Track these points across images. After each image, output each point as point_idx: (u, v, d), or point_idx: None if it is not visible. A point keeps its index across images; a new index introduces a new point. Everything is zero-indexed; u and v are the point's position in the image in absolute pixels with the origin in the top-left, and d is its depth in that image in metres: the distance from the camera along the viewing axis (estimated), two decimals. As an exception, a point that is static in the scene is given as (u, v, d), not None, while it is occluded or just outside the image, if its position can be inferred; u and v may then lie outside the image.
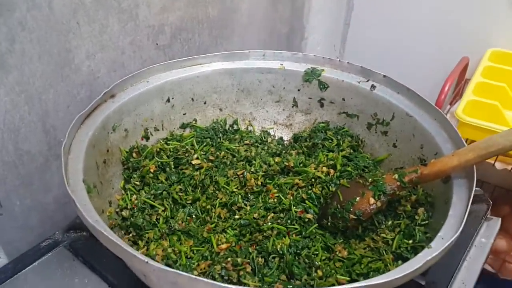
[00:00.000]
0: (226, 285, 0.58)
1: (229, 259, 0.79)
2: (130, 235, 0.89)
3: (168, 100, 1.10)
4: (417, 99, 0.99)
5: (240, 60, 1.15)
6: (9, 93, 0.92)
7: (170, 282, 0.64)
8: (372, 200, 0.83)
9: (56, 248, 1.03)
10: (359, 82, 1.09)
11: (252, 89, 1.18)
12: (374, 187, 0.85)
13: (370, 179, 0.86)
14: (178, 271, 0.60)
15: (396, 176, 0.84)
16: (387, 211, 0.89)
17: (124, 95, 1.01)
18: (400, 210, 0.88)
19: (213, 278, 0.77)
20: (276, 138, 1.19)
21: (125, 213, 0.92)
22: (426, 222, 0.84)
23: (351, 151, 1.07)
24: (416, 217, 0.86)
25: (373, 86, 1.07)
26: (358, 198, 0.85)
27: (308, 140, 1.12)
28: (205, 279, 0.59)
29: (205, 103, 1.16)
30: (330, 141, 1.10)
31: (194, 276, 0.60)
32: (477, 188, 0.80)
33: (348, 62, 1.11)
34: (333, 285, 0.74)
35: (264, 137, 1.17)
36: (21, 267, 0.98)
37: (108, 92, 0.98)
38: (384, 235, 0.85)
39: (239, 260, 0.79)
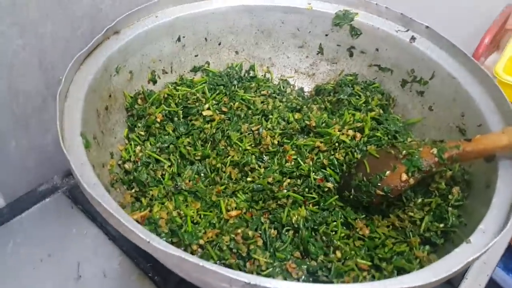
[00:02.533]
0: (235, 277, 0.50)
1: (239, 230, 0.71)
2: (133, 190, 0.82)
3: (179, 39, 0.97)
4: (462, 58, 0.86)
5: (262, -4, 1.01)
6: (0, 25, 0.81)
7: (174, 264, 0.57)
8: (404, 176, 0.73)
9: (55, 194, 0.98)
10: (397, 32, 0.95)
11: (274, 31, 1.04)
12: (408, 161, 0.74)
13: (404, 152, 0.76)
14: (183, 255, 0.52)
15: (435, 151, 0.73)
16: (417, 186, 0.80)
17: (130, 32, 0.89)
18: (433, 188, 0.79)
19: (220, 250, 0.70)
20: (296, 88, 1.07)
21: (128, 166, 0.84)
22: (461, 203, 0.75)
23: (381, 111, 0.95)
24: (450, 196, 0.76)
25: (413, 38, 0.93)
26: (388, 172, 0.75)
27: (332, 94, 1.00)
28: (214, 268, 0.51)
29: (219, 44, 1.03)
30: (357, 97, 0.98)
31: (201, 263, 0.52)
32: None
33: (386, 7, 0.96)
34: (353, 269, 0.67)
35: (283, 87, 1.05)
36: (17, 211, 0.92)
37: (112, 28, 0.86)
38: (412, 214, 0.77)
39: (250, 233, 0.71)
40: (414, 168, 0.73)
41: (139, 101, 0.90)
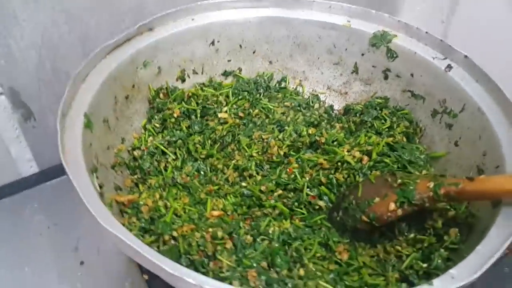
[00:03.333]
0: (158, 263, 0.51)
1: (210, 229, 0.71)
2: (135, 176, 0.85)
3: (213, 43, 1.00)
4: (497, 94, 0.78)
5: (302, 10, 1.00)
6: (49, 11, 0.90)
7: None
8: (392, 206, 0.68)
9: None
10: (434, 58, 0.89)
11: (310, 45, 1.03)
12: (400, 191, 0.69)
13: (400, 180, 0.71)
14: (121, 236, 0.54)
15: (432, 184, 0.67)
16: (413, 221, 0.74)
17: (164, 31, 0.94)
18: (428, 225, 0.72)
19: (189, 245, 0.70)
20: (326, 105, 1.05)
21: (136, 153, 0.87)
22: (456, 246, 0.68)
23: (404, 139, 0.90)
24: (446, 237, 0.69)
25: (449, 66, 0.87)
26: (377, 199, 0.71)
27: (358, 115, 0.96)
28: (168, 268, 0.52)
29: (254, 52, 1.04)
30: (382, 121, 0.93)
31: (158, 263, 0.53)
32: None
33: (426, 32, 0.91)
34: (308, 291, 0.64)
35: (312, 102, 1.03)
36: (42, 180, 1.01)
37: (146, 25, 0.92)
38: (399, 248, 0.71)
39: (219, 234, 0.71)
40: (404, 199, 0.68)
41: (161, 95, 0.94)
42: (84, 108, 0.75)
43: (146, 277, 0.83)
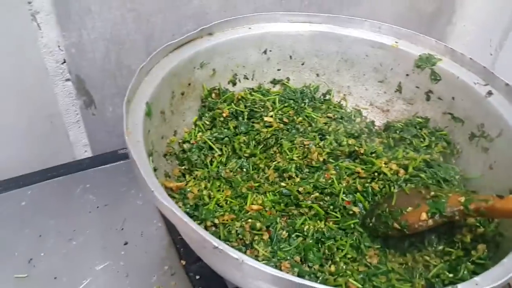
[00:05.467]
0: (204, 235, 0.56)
1: (249, 220, 0.77)
2: (183, 167, 0.92)
3: (265, 52, 1.07)
4: (534, 121, 0.81)
5: (353, 28, 1.06)
6: (120, 8, 0.99)
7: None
8: (424, 216, 0.72)
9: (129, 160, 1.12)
10: (475, 84, 0.93)
11: (357, 62, 1.08)
12: (432, 202, 0.73)
13: (433, 193, 0.74)
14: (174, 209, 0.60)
15: (463, 199, 0.71)
16: (443, 234, 0.77)
17: (222, 36, 1.01)
18: (457, 239, 0.75)
19: (229, 232, 0.76)
20: (368, 120, 1.09)
21: (186, 146, 0.94)
22: (483, 262, 0.71)
23: (441, 158, 0.93)
24: (473, 252, 0.73)
25: (489, 93, 0.90)
26: (410, 208, 0.75)
27: (398, 132, 1.00)
28: (193, 225, 0.58)
29: (303, 64, 1.10)
30: (421, 140, 0.97)
31: (185, 219, 0.59)
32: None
33: (470, 58, 0.95)
34: (340, 286, 0.68)
35: (354, 116, 1.08)
36: (96, 164, 1.09)
37: (206, 29, 0.99)
38: (428, 258, 0.74)
39: (258, 225, 0.76)
40: (436, 211, 0.72)
41: (213, 95, 1.01)
42: (146, 98, 0.83)
43: (183, 262, 0.89)
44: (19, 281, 0.84)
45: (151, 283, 0.86)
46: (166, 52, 0.93)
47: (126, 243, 0.92)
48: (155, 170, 0.77)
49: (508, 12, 1.59)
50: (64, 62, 1.00)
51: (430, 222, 0.72)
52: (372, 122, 1.09)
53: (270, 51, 1.07)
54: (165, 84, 0.89)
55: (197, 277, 0.86)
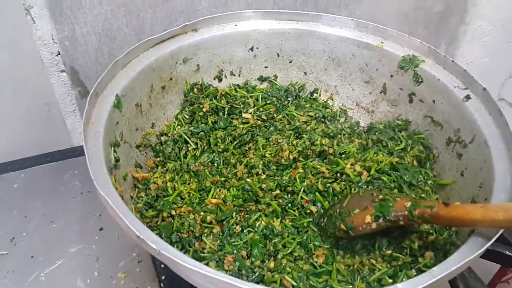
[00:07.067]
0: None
1: (201, 213, 0.79)
2: (158, 159, 0.95)
3: (252, 49, 1.08)
4: (504, 130, 0.78)
5: (339, 27, 1.05)
6: (111, 3, 1.03)
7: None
8: (368, 219, 0.71)
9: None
10: (455, 87, 0.90)
11: (344, 61, 1.07)
12: (378, 206, 0.72)
13: (381, 196, 0.73)
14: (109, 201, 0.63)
15: (409, 204, 0.70)
16: (395, 238, 0.76)
17: (207, 32, 1.03)
18: (406, 244, 0.74)
19: (182, 224, 0.78)
20: (353, 121, 1.08)
21: (163, 138, 0.98)
22: (428, 270, 0.68)
23: (415, 162, 0.91)
24: (420, 259, 0.71)
25: (467, 97, 0.87)
26: (357, 210, 0.74)
27: (378, 133, 0.99)
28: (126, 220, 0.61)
29: (290, 62, 1.11)
30: (398, 142, 0.95)
31: (118, 211, 0.62)
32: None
33: (452, 60, 0.92)
34: (275, 282, 0.69)
35: (339, 116, 1.07)
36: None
37: (190, 26, 1.02)
38: (374, 262, 0.73)
39: (208, 218, 0.78)
40: (380, 214, 0.71)
41: (195, 90, 1.04)
42: (117, 90, 0.86)
43: (152, 249, 0.92)
44: (-1, 258, 0.90)
45: (118, 268, 0.90)
46: (147, 46, 0.96)
47: (101, 229, 0.97)
48: (117, 160, 0.81)
49: (531, 12, 1.51)
50: (59, 54, 1.06)
51: (374, 225, 0.71)
52: (357, 122, 1.08)
53: (257, 48, 1.08)
54: (142, 78, 0.92)
55: (162, 266, 0.89)
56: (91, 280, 0.87)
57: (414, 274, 0.69)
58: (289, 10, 1.09)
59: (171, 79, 1.01)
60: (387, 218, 0.70)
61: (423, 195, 0.84)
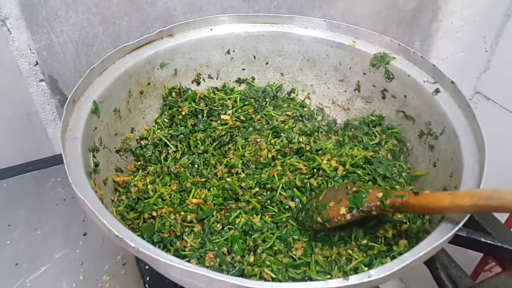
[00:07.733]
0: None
1: (182, 213, 0.81)
2: (138, 163, 0.97)
3: (228, 52, 1.10)
4: (472, 121, 0.81)
5: (312, 28, 1.08)
6: (86, 12, 1.05)
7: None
8: (342, 210, 0.74)
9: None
10: (424, 82, 0.93)
11: (318, 61, 1.10)
12: (352, 197, 0.75)
13: (355, 188, 0.76)
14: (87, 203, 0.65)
15: (380, 194, 0.72)
16: (370, 228, 0.78)
17: (183, 37, 1.05)
18: (380, 234, 0.76)
19: (163, 225, 0.80)
20: (330, 118, 1.11)
21: (143, 142, 0.99)
22: (402, 257, 0.71)
23: (389, 156, 0.94)
24: (395, 247, 0.74)
25: (436, 91, 0.90)
26: (332, 203, 0.77)
27: (353, 130, 1.02)
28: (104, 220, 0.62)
29: (267, 63, 1.13)
30: (373, 137, 0.98)
31: (95, 211, 0.63)
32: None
33: (422, 56, 0.95)
34: (253, 275, 0.71)
35: (316, 114, 1.10)
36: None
37: (166, 31, 1.04)
38: (351, 252, 0.76)
39: (188, 217, 0.80)
40: (354, 205, 0.74)
41: (174, 94, 1.06)
42: (94, 97, 0.88)
43: (136, 252, 0.94)
44: (-17, 266, 0.91)
45: (103, 271, 0.91)
46: (123, 53, 0.98)
47: (85, 234, 0.98)
48: (96, 165, 0.82)
49: (501, 8, 1.56)
50: (37, 64, 1.07)
51: (348, 216, 0.73)
52: (334, 120, 1.10)
53: (234, 51, 1.11)
54: (119, 84, 0.94)
55: (146, 267, 0.91)
56: (77, 284, 0.88)
57: (388, 261, 0.70)
58: (263, 13, 1.11)
59: (149, 84, 1.03)
60: (360, 209, 0.73)
61: (397, 187, 0.86)
